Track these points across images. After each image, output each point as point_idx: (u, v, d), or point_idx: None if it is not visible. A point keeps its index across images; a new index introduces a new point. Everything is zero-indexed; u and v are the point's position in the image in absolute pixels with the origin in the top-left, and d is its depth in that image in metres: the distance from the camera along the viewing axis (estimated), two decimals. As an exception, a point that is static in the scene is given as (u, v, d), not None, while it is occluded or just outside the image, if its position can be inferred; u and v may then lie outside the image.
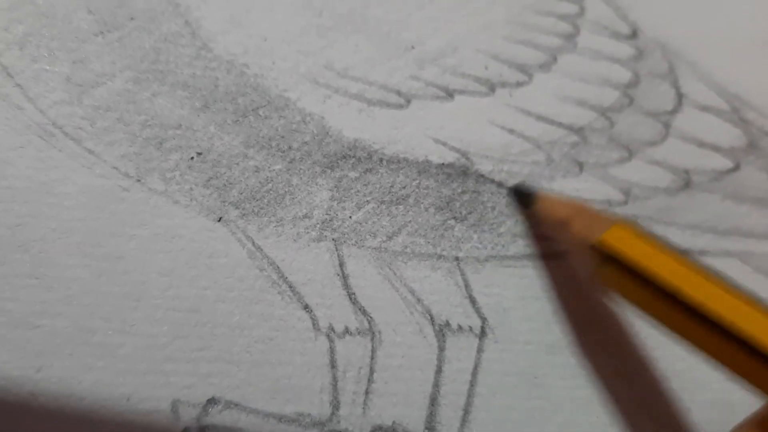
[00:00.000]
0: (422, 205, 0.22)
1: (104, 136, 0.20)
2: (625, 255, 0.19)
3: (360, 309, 0.21)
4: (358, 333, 0.20)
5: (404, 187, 0.22)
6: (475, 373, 0.21)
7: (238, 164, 0.20)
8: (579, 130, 0.24)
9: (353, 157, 0.21)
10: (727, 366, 0.18)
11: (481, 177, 0.22)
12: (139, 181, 0.20)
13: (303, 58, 0.21)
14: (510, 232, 0.22)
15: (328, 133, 0.21)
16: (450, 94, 0.23)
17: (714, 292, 0.18)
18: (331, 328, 0.20)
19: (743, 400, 0.19)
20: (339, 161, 0.21)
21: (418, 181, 0.22)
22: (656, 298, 0.19)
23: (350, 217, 0.21)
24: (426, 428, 0.20)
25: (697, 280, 0.18)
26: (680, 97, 0.25)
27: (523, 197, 0.22)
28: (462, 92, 0.23)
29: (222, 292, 0.20)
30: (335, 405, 0.20)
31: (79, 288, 0.19)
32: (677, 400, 0.22)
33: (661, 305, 0.19)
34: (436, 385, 0.21)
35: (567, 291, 0.22)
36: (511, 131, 0.23)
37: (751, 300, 0.18)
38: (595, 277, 0.20)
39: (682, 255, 0.19)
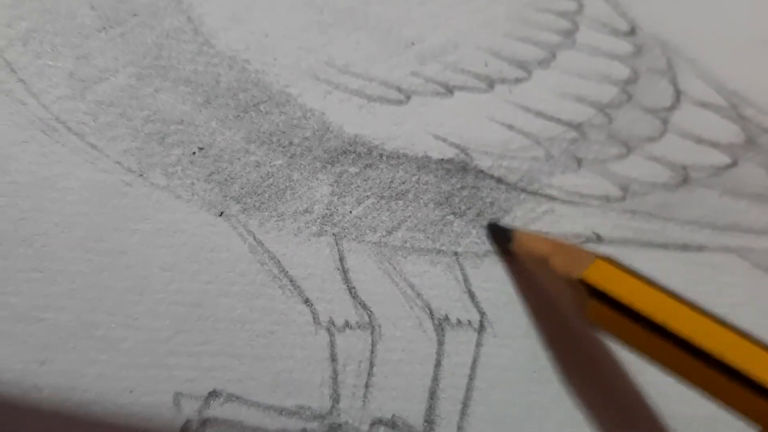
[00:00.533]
0: (422, 201, 0.22)
1: (107, 131, 0.20)
2: (609, 290, 0.19)
3: (360, 303, 0.21)
4: (358, 327, 0.21)
5: (404, 183, 0.22)
6: (474, 367, 0.21)
7: (239, 159, 0.21)
8: (578, 126, 0.24)
9: (353, 152, 0.21)
10: (717, 398, 0.18)
11: (480, 173, 0.22)
12: (141, 176, 0.20)
13: (304, 55, 0.22)
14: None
15: (328, 128, 0.21)
16: (450, 90, 0.23)
17: (701, 323, 0.18)
18: (332, 322, 0.20)
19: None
20: (339, 157, 0.21)
21: (417, 177, 0.22)
22: (643, 332, 0.18)
23: (350, 212, 0.21)
24: (425, 421, 0.20)
25: (684, 313, 0.18)
26: (679, 93, 0.25)
27: (501, 235, 0.22)
28: (462, 88, 0.23)
29: (224, 287, 0.20)
30: (335, 398, 0.20)
31: (82, 282, 0.19)
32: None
33: (648, 339, 0.18)
34: (436, 379, 0.21)
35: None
36: (511, 127, 0.23)
37: (739, 331, 0.18)
38: (581, 313, 0.20)
39: (666, 289, 0.19)
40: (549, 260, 0.20)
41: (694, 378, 0.18)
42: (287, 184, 0.21)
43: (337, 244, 0.21)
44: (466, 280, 0.22)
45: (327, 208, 0.21)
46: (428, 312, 0.21)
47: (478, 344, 0.21)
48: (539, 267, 0.21)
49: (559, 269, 0.20)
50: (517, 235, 0.22)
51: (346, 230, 0.21)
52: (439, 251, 0.22)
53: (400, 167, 0.22)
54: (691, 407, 0.21)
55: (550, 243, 0.21)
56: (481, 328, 0.21)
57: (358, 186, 0.21)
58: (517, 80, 0.23)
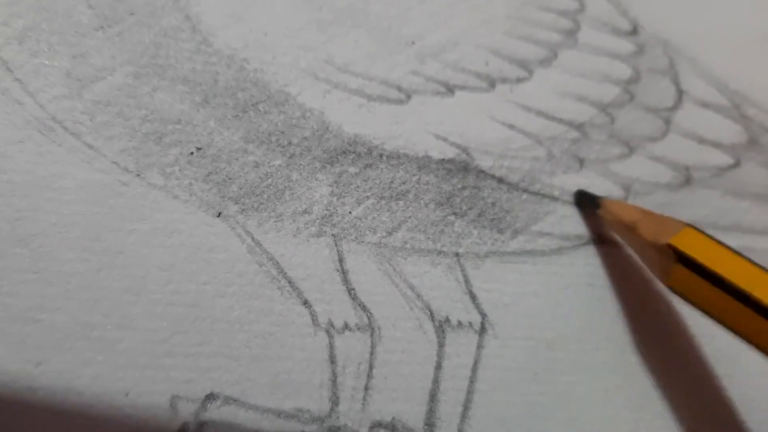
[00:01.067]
0: (422, 201, 0.22)
1: (104, 130, 0.20)
2: (697, 256, 0.19)
3: (359, 304, 0.21)
4: (358, 329, 0.20)
5: (404, 183, 0.22)
6: (474, 369, 0.21)
7: (237, 159, 0.20)
8: (579, 126, 0.24)
9: (353, 152, 0.21)
10: None
11: (481, 173, 0.22)
12: (138, 175, 0.20)
13: (303, 53, 0.21)
14: (510, 228, 0.22)
15: (328, 128, 0.21)
16: (450, 89, 0.23)
17: None
18: (331, 324, 0.20)
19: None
20: (339, 157, 0.21)
21: (418, 177, 0.22)
22: (727, 299, 0.19)
23: (350, 212, 0.21)
24: (425, 424, 0.20)
25: None
26: (681, 93, 0.25)
27: (588, 201, 0.22)
28: (462, 88, 0.23)
29: (221, 287, 0.20)
30: (334, 400, 0.20)
31: (79, 282, 0.19)
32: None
33: (732, 306, 0.19)
34: (436, 381, 0.21)
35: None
36: (512, 127, 0.23)
37: None
38: (665, 279, 0.20)
39: (752, 260, 0.19)
40: (636, 226, 0.21)
41: None
42: (286, 185, 0.21)
43: (336, 245, 0.21)
44: (467, 281, 0.22)
45: (326, 209, 0.21)
46: (429, 313, 0.21)
47: (479, 346, 0.21)
48: (625, 233, 0.22)
49: (647, 235, 0.20)
50: (606, 202, 0.22)
51: (346, 231, 0.21)
52: (439, 252, 0.22)
53: (401, 167, 0.22)
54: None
55: (638, 210, 0.21)
56: (482, 330, 0.21)
57: (358, 186, 0.21)
58: (519, 79, 0.23)
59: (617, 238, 0.22)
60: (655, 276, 0.21)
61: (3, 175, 0.19)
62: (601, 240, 0.23)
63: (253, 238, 0.20)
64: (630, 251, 0.22)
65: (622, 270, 0.23)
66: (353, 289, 0.21)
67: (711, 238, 0.20)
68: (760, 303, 0.18)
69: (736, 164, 0.25)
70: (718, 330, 0.19)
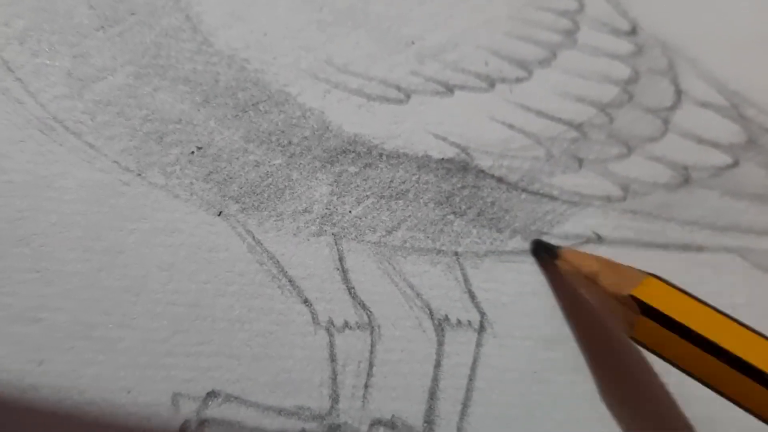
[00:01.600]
0: (422, 200, 0.22)
1: (105, 130, 0.20)
2: (661, 308, 0.19)
3: (359, 303, 0.21)
4: (358, 327, 0.20)
5: (404, 182, 0.22)
6: (474, 368, 0.21)
7: (238, 159, 0.20)
8: (579, 126, 0.24)
9: (353, 152, 0.21)
10: None
11: (480, 172, 0.22)
12: (139, 175, 0.20)
13: (303, 54, 0.21)
14: (509, 227, 0.22)
15: (328, 128, 0.21)
16: (450, 89, 0.23)
17: (753, 342, 0.18)
18: (331, 323, 0.20)
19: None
20: (339, 156, 0.21)
21: (417, 176, 0.22)
22: (693, 349, 0.18)
23: (350, 211, 0.21)
24: (425, 422, 0.20)
25: (735, 330, 0.18)
26: (680, 93, 0.25)
27: (546, 252, 0.22)
28: (462, 88, 0.23)
29: (222, 287, 0.20)
30: (335, 398, 0.20)
31: (80, 282, 0.19)
32: None
33: (698, 356, 0.18)
34: (435, 379, 0.21)
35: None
36: (511, 127, 0.23)
37: None
38: (627, 329, 0.20)
39: (717, 308, 0.19)
40: (597, 277, 0.20)
41: (744, 397, 0.18)
42: (286, 184, 0.21)
43: (336, 244, 0.21)
44: (466, 280, 0.22)
45: (326, 208, 0.21)
46: (428, 312, 0.21)
47: (478, 344, 0.21)
48: (585, 284, 0.21)
49: (608, 286, 0.20)
50: (564, 252, 0.22)
51: (346, 230, 0.21)
52: (439, 251, 0.22)
53: (400, 167, 0.22)
54: (737, 427, 0.21)
55: (598, 260, 0.21)
56: (481, 329, 0.21)
57: (358, 185, 0.21)
58: (518, 79, 0.23)
59: (577, 288, 0.22)
60: (619, 328, 0.21)
61: (4, 174, 0.19)
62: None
63: (253, 237, 0.20)
64: (591, 302, 0.22)
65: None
66: (353, 288, 0.21)
67: (675, 287, 0.19)
68: (728, 353, 0.18)
69: (735, 164, 0.25)
70: (685, 378, 0.19)
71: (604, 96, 0.24)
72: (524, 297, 0.22)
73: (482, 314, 0.22)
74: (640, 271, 0.20)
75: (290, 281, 0.20)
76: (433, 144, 0.22)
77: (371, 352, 0.20)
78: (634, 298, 0.19)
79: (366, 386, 0.20)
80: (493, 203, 0.22)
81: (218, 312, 0.20)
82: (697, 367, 0.19)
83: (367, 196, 0.21)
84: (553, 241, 0.23)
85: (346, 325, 0.20)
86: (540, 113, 0.23)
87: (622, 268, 0.21)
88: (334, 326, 0.20)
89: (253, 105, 0.21)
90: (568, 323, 0.22)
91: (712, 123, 0.25)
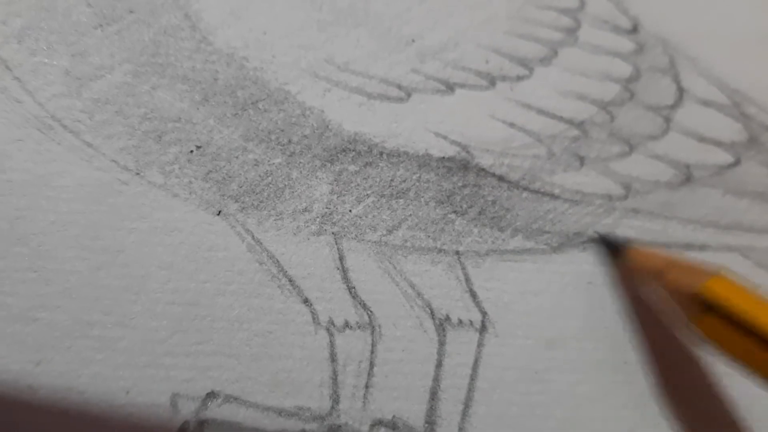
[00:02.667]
0: (422, 199, 0.22)
1: (103, 129, 0.20)
2: (727, 306, 0.19)
3: (360, 303, 0.21)
4: (358, 327, 0.20)
5: (404, 181, 0.22)
6: (475, 368, 0.21)
7: (237, 157, 0.20)
8: (580, 124, 0.24)
9: (353, 150, 0.21)
10: None
11: (481, 171, 0.22)
12: (138, 174, 0.20)
13: (303, 52, 0.21)
14: (510, 226, 0.22)
15: (328, 126, 0.21)
16: (450, 87, 0.22)
17: None
18: (331, 322, 0.20)
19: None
20: (339, 155, 0.21)
21: (418, 175, 0.22)
22: (759, 348, 0.18)
23: (350, 210, 0.21)
24: (426, 422, 0.20)
25: None
26: (681, 91, 0.25)
27: (613, 248, 0.22)
28: (463, 86, 0.23)
29: (221, 286, 0.20)
30: (335, 399, 0.20)
31: (78, 281, 0.19)
32: None
33: (764, 355, 0.18)
34: (437, 380, 0.21)
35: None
36: (512, 125, 0.23)
37: None
38: (694, 328, 0.20)
39: None
40: (664, 274, 0.20)
41: None
42: (286, 183, 0.21)
43: (336, 244, 0.21)
44: (467, 279, 0.22)
45: (326, 207, 0.21)
46: (429, 312, 0.21)
47: (480, 344, 0.21)
48: (650, 281, 0.21)
49: (675, 283, 0.20)
50: (631, 249, 0.22)
51: (346, 229, 0.21)
52: (440, 250, 0.22)
53: (401, 165, 0.22)
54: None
55: (665, 257, 0.21)
56: (483, 329, 0.21)
57: (358, 184, 0.21)
58: (519, 78, 0.23)
59: (642, 285, 0.22)
60: (685, 324, 0.21)
61: (2, 173, 0.19)
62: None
63: (253, 237, 0.20)
64: (656, 299, 0.22)
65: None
66: (353, 288, 0.21)
67: (742, 285, 0.19)
68: None
69: (737, 163, 0.25)
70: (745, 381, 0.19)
71: (606, 94, 0.24)
72: (526, 296, 0.22)
73: (484, 314, 0.21)
74: (707, 268, 0.20)
75: (290, 281, 0.20)
76: (433, 142, 0.22)
77: (372, 352, 0.20)
78: (700, 295, 0.19)
79: (367, 386, 0.20)
80: (494, 202, 0.22)
81: (218, 311, 0.19)
82: (763, 365, 0.18)
83: (367, 195, 0.21)
84: (554, 240, 0.23)
85: (347, 324, 0.20)
86: (541, 111, 0.23)
87: (690, 265, 0.21)
88: (334, 326, 0.20)
89: (252, 103, 0.21)
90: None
91: (714, 121, 0.25)
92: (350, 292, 0.21)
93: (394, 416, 0.20)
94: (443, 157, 0.22)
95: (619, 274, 0.23)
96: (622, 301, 0.22)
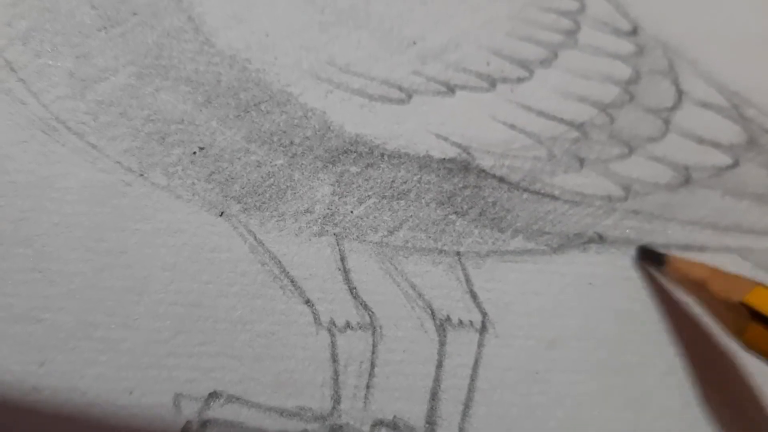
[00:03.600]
0: (423, 200, 0.22)
1: (107, 130, 0.20)
2: None
3: (361, 303, 0.21)
4: (360, 327, 0.20)
5: (405, 182, 0.22)
6: (475, 368, 0.21)
7: (240, 159, 0.20)
8: (580, 126, 0.24)
9: (355, 152, 0.21)
10: None
11: (482, 172, 0.22)
12: (141, 175, 0.20)
13: (305, 54, 0.21)
14: (511, 227, 0.22)
15: (329, 128, 0.21)
16: (451, 89, 0.23)
17: None
18: (333, 323, 0.20)
19: None
20: (340, 156, 0.21)
21: (419, 176, 0.22)
22: None
23: (352, 211, 0.21)
24: (427, 422, 0.20)
25: None
26: (680, 93, 0.25)
27: (654, 259, 0.23)
28: (463, 88, 0.23)
29: (224, 287, 0.20)
30: (336, 399, 0.20)
31: (82, 282, 0.19)
32: None
33: None
34: (437, 380, 0.21)
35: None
36: (513, 127, 0.23)
37: None
38: (740, 337, 0.20)
39: None
40: (707, 284, 0.21)
41: None
42: (288, 184, 0.21)
43: (338, 244, 0.21)
44: (468, 280, 0.22)
45: (328, 208, 0.21)
46: (430, 312, 0.21)
47: (480, 345, 0.21)
48: (693, 291, 0.22)
49: (718, 293, 0.20)
50: (672, 259, 0.22)
51: (348, 230, 0.21)
52: (440, 251, 0.22)
53: (402, 167, 0.22)
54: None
55: (707, 267, 0.22)
56: (483, 329, 0.21)
57: (360, 186, 0.21)
58: (519, 79, 0.23)
59: (684, 295, 0.23)
60: (729, 334, 0.21)
61: (6, 175, 0.19)
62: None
63: (255, 238, 0.20)
64: (700, 308, 0.23)
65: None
66: (355, 288, 0.21)
67: None
68: None
69: (735, 164, 0.25)
70: None
71: (606, 96, 0.24)
72: (526, 297, 0.22)
73: (484, 314, 0.22)
74: (749, 279, 0.20)
75: (292, 281, 0.20)
76: (434, 144, 0.22)
77: (373, 353, 0.20)
78: (745, 304, 0.19)
79: (368, 387, 0.20)
80: (494, 203, 0.22)
81: (220, 312, 0.20)
82: None
83: (368, 196, 0.21)
84: (555, 241, 0.23)
85: (348, 325, 0.20)
86: (541, 113, 0.23)
87: (731, 276, 0.21)
88: (335, 327, 0.20)
89: (254, 105, 0.21)
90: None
91: (713, 123, 0.25)
92: (351, 293, 0.21)
93: (394, 416, 0.20)
94: (444, 159, 0.22)
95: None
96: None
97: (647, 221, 0.24)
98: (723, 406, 0.22)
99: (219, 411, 0.19)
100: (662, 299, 0.23)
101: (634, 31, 0.26)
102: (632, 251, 0.23)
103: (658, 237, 0.24)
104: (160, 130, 0.20)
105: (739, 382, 0.23)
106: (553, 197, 0.23)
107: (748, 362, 0.23)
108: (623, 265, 0.23)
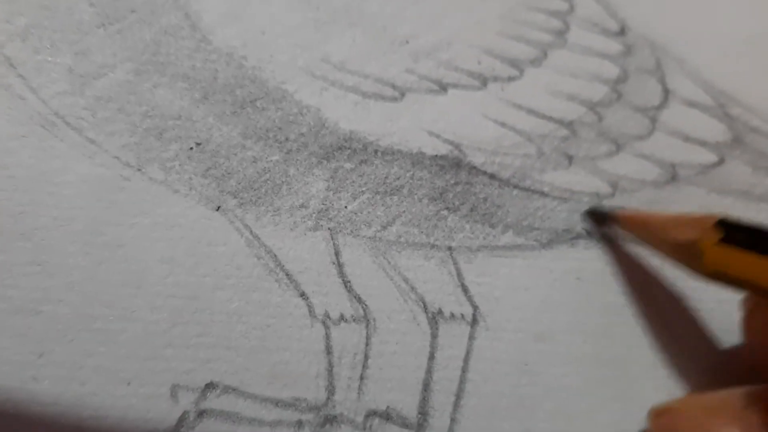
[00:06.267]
0: (416, 196, 0.22)
1: (105, 126, 0.20)
2: (748, 225, 0.19)
3: (355, 297, 0.21)
4: (353, 320, 0.21)
5: (398, 179, 0.22)
6: (466, 360, 0.21)
7: (236, 155, 0.21)
8: (569, 124, 0.24)
9: (349, 148, 0.22)
10: None
11: (473, 169, 0.23)
12: (139, 170, 0.20)
13: (300, 52, 0.22)
14: (501, 222, 0.23)
15: (324, 124, 0.21)
16: (443, 87, 0.23)
17: None
18: (327, 315, 0.20)
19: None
20: (335, 152, 0.21)
21: (412, 173, 0.22)
22: None
23: (346, 207, 0.21)
24: (419, 413, 0.21)
25: None
26: (667, 92, 0.26)
27: (602, 218, 0.23)
28: (455, 86, 0.23)
29: (220, 280, 0.20)
30: (331, 390, 0.20)
31: (80, 275, 0.19)
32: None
33: None
34: (429, 371, 0.21)
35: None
36: (503, 124, 0.23)
37: None
38: (700, 269, 0.20)
39: None
40: (664, 228, 0.21)
41: None
42: (283, 180, 0.21)
43: (332, 239, 0.21)
44: (459, 274, 0.22)
45: (323, 203, 0.21)
46: (422, 305, 0.21)
47: (471, 337, 0.21)
48: (648, 239, 0.22)
49: (677, 234, 0.20)
50: (619, 213, 0.22)
51: (342, 225, 0.21)
52: (433, 246, 0.22)
53: (395, 163, 0.22)
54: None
55: (658, 212, 0.22)
56: (474, 322, 0.22)
57: (354, 181, 0.21)
58: (510, 78, 0.24)
59: (638, 246, 0.23)
60: (688, 268, 0.21)
61: (5, 170, 0.19)
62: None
63: (251, 232, 0.20)
64: (654, 254, 0.23)
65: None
66: (349, 282, 0.21)
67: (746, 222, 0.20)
68: None
69: (721, 162, 0.25)
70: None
71: (594, 95, 0.24)
72: (516, 291, 0.22)
73: (475, 308, 0.22)
74: (702, 213, 0.20)
75: (287, 275, 0.20)
76: (427, 141, 0.22)
77: (367, 345, 0.21)
78: (721, 223, 0.19)
79: (361, 378, 0.20)
80: (485, 199, 0.23)
81: (217, 305, 0.20)
82: None
83: (362, 191, 0.22)
84: (544, 237, 0.23)
85: (342, 318, 0.21)
86: (531, 111, 0.24)
87: (685, 214, 0.21)
88: (330, 319, 0.20)
89: (250, 102, 0.21)
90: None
91: (699, 122, 0.26)
92: (346, 286, 0.21)
93: (388, 407, 0.20)
94: (436, 156, 0.22)
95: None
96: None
97: (634, 217, 0.24)
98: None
99: (215, 401, 0.19)
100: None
101: (622, 31, 0.26)
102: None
103: (645, 233, 0.24)
104: (157, 126, 0.20)
105: (724, 371, 0.23)
106: (543, 194, 0.23)
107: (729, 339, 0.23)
108: (611, 260, 0.23)
